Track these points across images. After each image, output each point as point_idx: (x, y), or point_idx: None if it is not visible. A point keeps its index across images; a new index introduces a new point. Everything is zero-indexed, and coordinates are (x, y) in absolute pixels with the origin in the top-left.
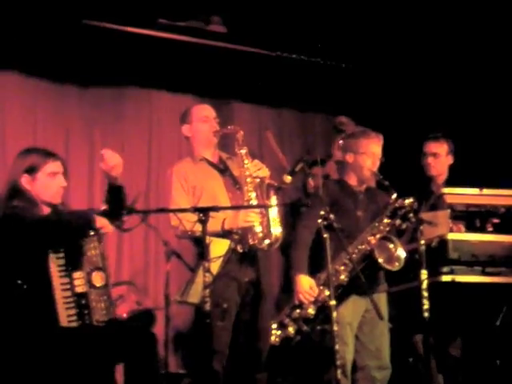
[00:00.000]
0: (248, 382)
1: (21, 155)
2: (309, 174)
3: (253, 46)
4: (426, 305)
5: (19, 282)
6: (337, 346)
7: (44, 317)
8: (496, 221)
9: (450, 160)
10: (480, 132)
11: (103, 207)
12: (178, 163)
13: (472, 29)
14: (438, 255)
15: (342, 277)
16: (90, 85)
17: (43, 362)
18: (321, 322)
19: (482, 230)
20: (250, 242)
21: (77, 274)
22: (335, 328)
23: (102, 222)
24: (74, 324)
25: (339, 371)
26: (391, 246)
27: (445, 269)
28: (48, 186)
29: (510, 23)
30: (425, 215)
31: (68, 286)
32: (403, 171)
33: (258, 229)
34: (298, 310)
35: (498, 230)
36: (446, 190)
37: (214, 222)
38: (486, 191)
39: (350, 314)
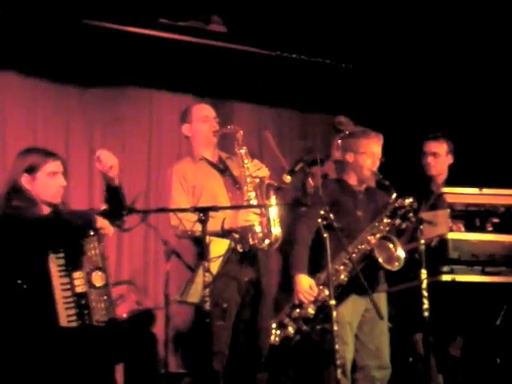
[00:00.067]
0: (248, 382)
1: (21, 155)
2: (308, 173)
3: (253, 45)
4: (425, 304)
5: (19, 281)
6: (337, 346)
7: (44, 317)
8: (496, 220)
9: (449, 160)
10: (480, 132)
11: (103, 207)
12: (178, 163)
13: (472, 29)
14: (438, 255)
15: (342, 276)
16: (90, 85)
17: (43, 361)
18: (320, 321)
19: (482, 229)
20: (250, 241)
21: (77, 274)
22: (335, 327)
23: (102, 223)
24: (74, 324)
25: (339, 371)
26: (391, 245)
27: (445, 268)
28: (48, 186)
29: (510, 23)
30: (425, 215)
31: (68, 286)
32: (403, 171)
33: (258, 229)
34: (297, 310)
35: (497, 229)
36: (445, 190)
37: (214, 222)
38: (485, 191)
39: (349, 313)
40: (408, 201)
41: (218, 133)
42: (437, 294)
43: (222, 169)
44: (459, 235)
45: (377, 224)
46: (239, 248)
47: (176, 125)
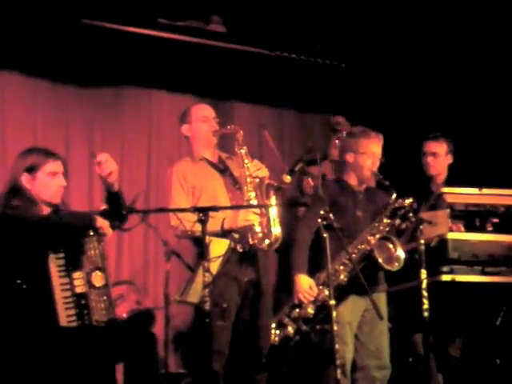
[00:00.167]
0: (248, 382)
1: (22, 155)
2: (308, 173)
3: (252, 45)
4: (425, 304)
5: (19, 281)
6: (336, 346)
7: (44, 317)
8: (495, 220)
9: (449, 159)
10: (479, 132)
11: (103, 207)
12: (178, 163)
13: (472, 29)
14: (438, 255)
15: (342, 277)
16: (89, 84)
17: (43, 361)
18: (320, 321)
19: (482, 229)
20: (250, 241)
21: (76, 274)
22: (335, 327)
23: (101, 222)
24: (74, 324)
25: (339, 371)
26: (391, 246)
27: (444, 268)
28: (48, 186)
29: (509, 23)
30: (424, 215)
31: (68, 286)
32: (403, 171)
33: (258, 229)
34: (297, 310)
35: (497, 229)
36: (445, 190)
37: (214, 222)
38: (485, 191)
39: (349, 313)
40: (408, 201)
41: (217, 133)
42: (437, 294)
43: (222, 169)
44: (459, 235)
45: (377, 224)
46: (239, 248)
47: (176, 125)
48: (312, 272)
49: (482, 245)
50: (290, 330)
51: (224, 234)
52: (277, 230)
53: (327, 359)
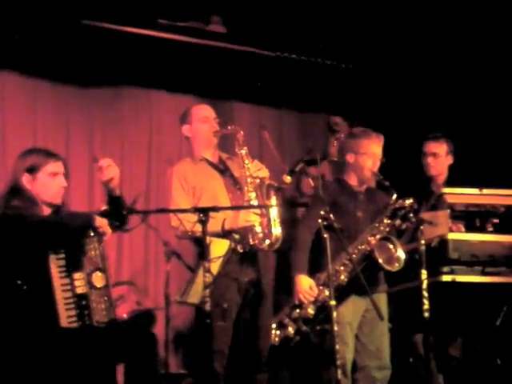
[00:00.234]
0: (248, 383)
1: (22, 155)
2: (308, 174)
3: (253, 46)
4: (426, 305)
5: (19, 282)
6: (337, 346)
7: (44, 317)
8: (496, 221)
9: (449, 160)
10: (480, 132)
11: (103, 207)
12: (178, 163)
13: (472, 29)
14: (438, 255)
15: (342, 277)
16: (89, 85)
17: (44, 362)
18: (320, 322)
19: (482, 229)
20: (251, 242)
21: (77, 275)
22: (335, 328)
23: (100, 222)
24: (75, 325)
25: (339, 371)
26: (391, 246)
27: (445, 269)
28: (48, 186)
29: (509, 23)
30: (425, 215)
31: (68, 287)
32: (403, 171)
33: (259, 229)
34: (297, 310)
35: (497, 229)
36: (445, 190)
37: (214, 223)
38: (485, 191)
39: (349, 313)
40: (408, 201)
41: (218, 133)
42: (437, 294)
43: (223, 169)
44: (459, 235)
45: (377, 225)
46: (239, 248)
47: (176, 125)
48: (312, 272)
49: (482, 245)
50: (291, 330)
51: (224, 234)
52: (277, 231)
53: (328, 359)
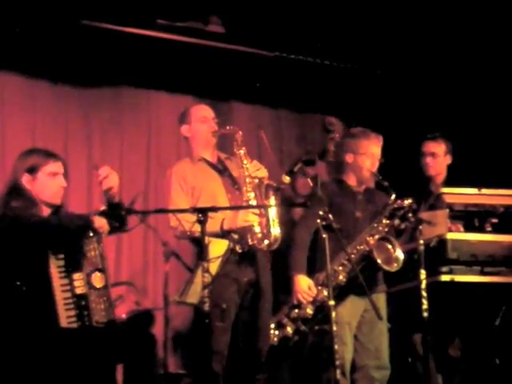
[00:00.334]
0: (247, 383)
1: (22, 155)
2: (307, 174)
3: (251, 46)
4: (424, 305)
5: (19, 283)
6: (336, 346)
7: (44, 318)
8: (495, 220)
9: (448, 160)
10: (479, 132)
11: (102, 207)
12: (177, 164)
13: (471, 29)
14: (437, 255)
15: (341, 277)
16: (88, 85)
17: (43, 362)
18: (319, 322)
19: (481, 229)
20: (249, 242)
21: (77, 275)
22: (334, 328)
23: (99, 222)
24: (74, 325)
25: (338, 371)
26: (390, 246)
27: (444, 268)
28: (48, 186)
29: (509, 23)
30: (424, 215)
31: (68, 287)
32: (402, 171)
33: (257, 229)
34: (296, 310)
35: (496, 229)
36: (444, 190)
37: (213, 223)
38: (484, 191)
39: (348, 313)
40: (407, 202)
41: (216, 133)
42: (436, 294)
43: (221, 169)
44: (458, 235)
45: (376, 225)
46: (238, 248)
47: (175, 125)
48: (311, 272)
49: (481, 245)
50: (289, 330)
51: (223, 234)
52: (276, 231)
53: (326, 359)
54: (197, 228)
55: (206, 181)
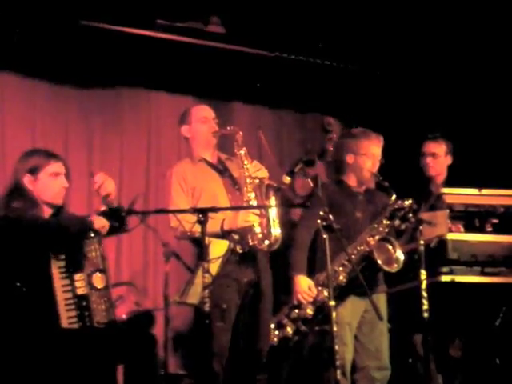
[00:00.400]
0: (247, 383)
1: (24, 156)
2: (307, 174)
3: (252, 46)
4: (425, 305)
5: (20, 284)
6: (336, 347)
7: (45, 318)
8: (495, 221)
9: (448, 160)
10: (479, 132)
11: (103, 208)
12: (178, 164)
13: (471, 29)
14: (438, 255)
15: (341, 277)
16: (88, 86)
17: (44, 363)
18: (319, 322)
19: (481, 230)
20: (250, 242)
21: (77, 276)
22: (334, 328)
23: (99, 222)
24: (75, 326)
25: (339, 371)
26: (390, 247)
27: (444, 269)
28: (49, 187)
29: (509, 23)
30: (424, 215)
31: (69, 288)
32: (402, 172)
33: (258, 229)
34: (296, 311)
35: (497, 230)
36: (445, 190)
37: (214, 223)
38: (484, 191)
39: (349, 314)
40: (407, 202)
41: (217, 134)
42: (436, 294)
43: (222, 170)
44: (458, 236)
45: (376, 225)
46: (239, 249)
47: (175, 126)
48: (311, 273)
49: (481, 245)
50: (289, 330)
51: (224, 234)
52: (276, 231)
53: (327, 360)
54: (197, 228)
55: (206, 181)
